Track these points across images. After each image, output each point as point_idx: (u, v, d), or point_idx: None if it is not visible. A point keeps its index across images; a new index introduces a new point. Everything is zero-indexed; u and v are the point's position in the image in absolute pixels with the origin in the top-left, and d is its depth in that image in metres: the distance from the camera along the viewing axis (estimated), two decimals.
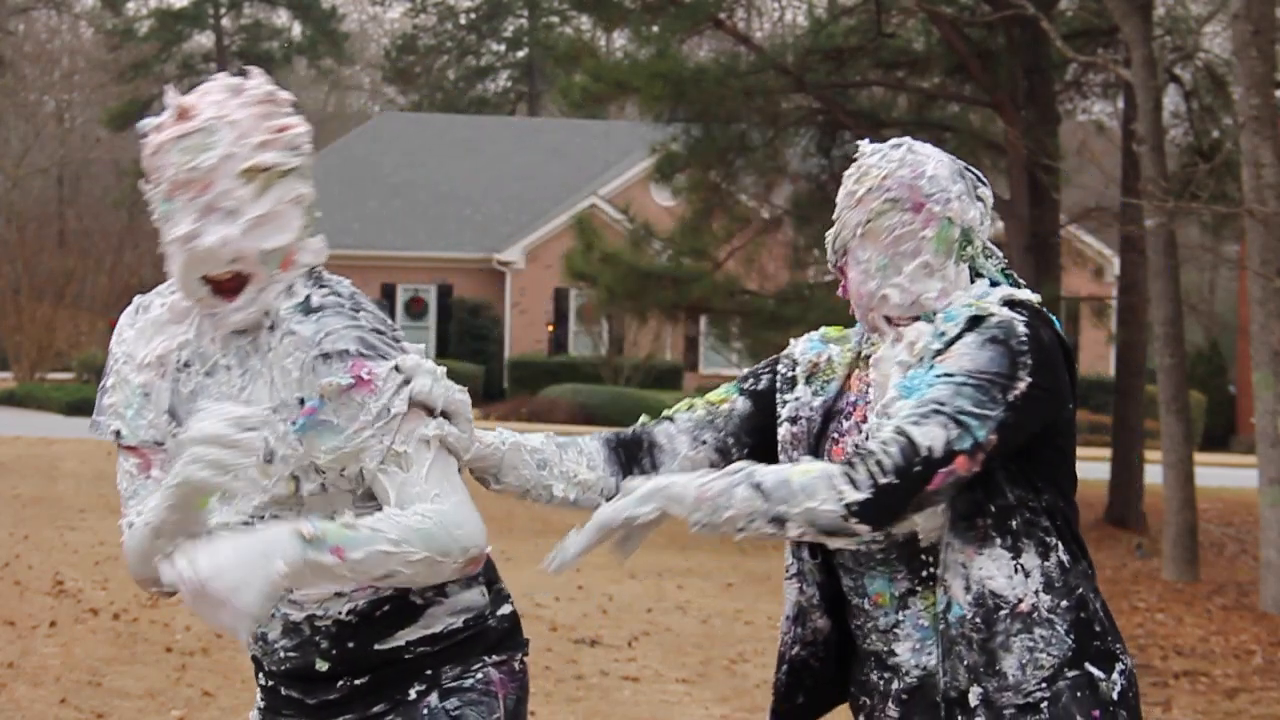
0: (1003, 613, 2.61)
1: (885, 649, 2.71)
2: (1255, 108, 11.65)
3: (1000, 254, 2.76)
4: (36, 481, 16.99)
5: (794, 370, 2.82)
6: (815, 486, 2.48)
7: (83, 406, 29.33)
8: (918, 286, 2.66)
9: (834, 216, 2.77)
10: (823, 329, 2.88)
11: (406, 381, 2.59)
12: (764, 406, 2.83)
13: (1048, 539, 2.63)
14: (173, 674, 7.97)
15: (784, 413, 2.79)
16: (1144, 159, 13.98)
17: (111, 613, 9.56)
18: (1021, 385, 2.53)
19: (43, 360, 35.15)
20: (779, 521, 2.49)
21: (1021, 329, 2.57)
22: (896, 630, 2.69)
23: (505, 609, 2.82)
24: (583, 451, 2.82)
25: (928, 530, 2.62)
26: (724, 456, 2.80)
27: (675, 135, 17.83)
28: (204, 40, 57.45)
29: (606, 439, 2.85)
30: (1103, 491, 19.19)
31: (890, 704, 2.72)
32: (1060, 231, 18.07)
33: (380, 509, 2.59)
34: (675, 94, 16.72)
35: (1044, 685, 2.63)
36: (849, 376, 2.76)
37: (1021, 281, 2.75)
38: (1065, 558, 2.65)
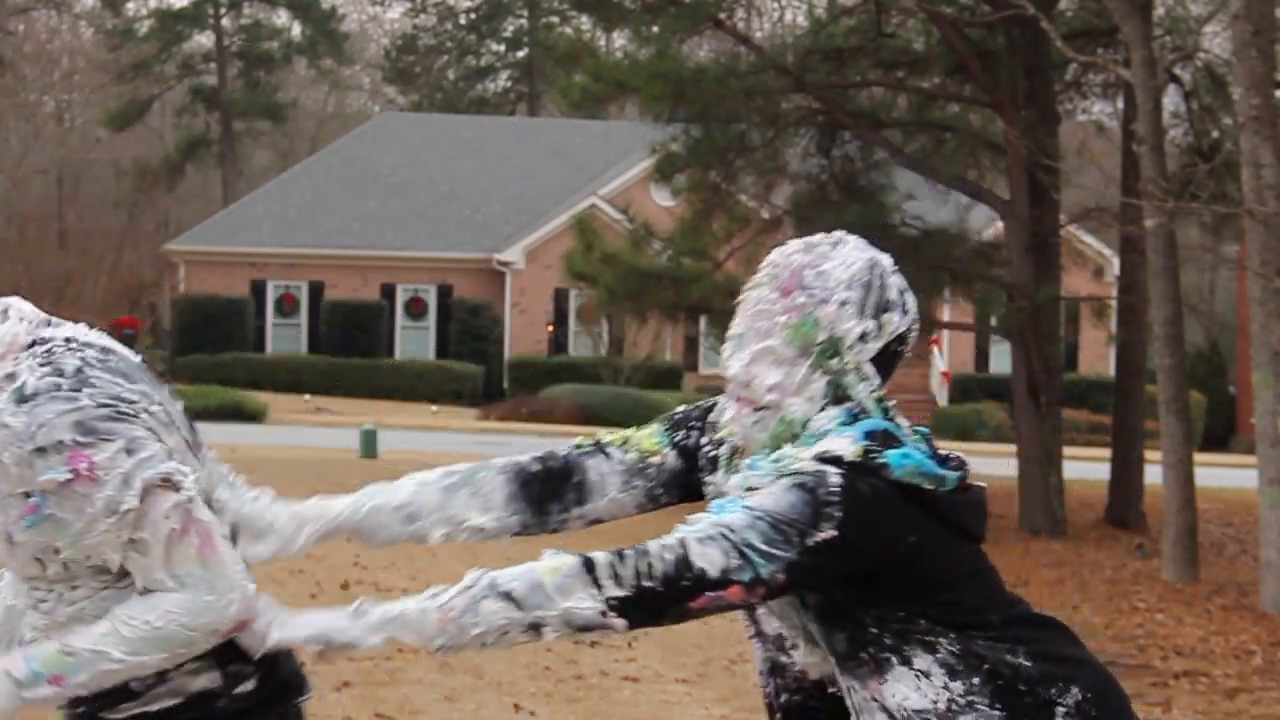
0: None
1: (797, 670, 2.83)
2: (1255, 108, 11.65)
3: (880, 383, 2.57)
4: None
5: (717, 449, 2.71)
6: (571, 585, 2.38)
7: None
8: (756, 368, 2.54)
9: None
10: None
11: (144, 460, 2.48)
12: (692, 464, 2.74)
13: (928, 637, 2.54)
14: None
15: (707, 492, 2.72)
16: (1144, 159, 13.98)
17: None
18: (823, 535, 2.43)
19: None
20: (535, 628, 2.40)
21: (834, 480, 2.44)
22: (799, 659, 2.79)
23: (246, 686, 2.63)
24: (478, 493, 2.69)
25: (819, 670, 2.68)
26: (653, 503, 2.75)
27: (675, 135, 17.83)
28: (204, 40, 57.45)
29: (519, 474, 2.71)
30: (1103, 491, 19.19)
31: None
32: (1060, 231, 18.06)
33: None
34: (675, 94, 16.72)
35: None
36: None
37: (897, 418, 2.57)
38: (955, 639, 2.54)
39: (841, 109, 17.43)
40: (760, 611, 2.75)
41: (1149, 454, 17.85)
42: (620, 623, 2.41)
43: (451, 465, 2.77)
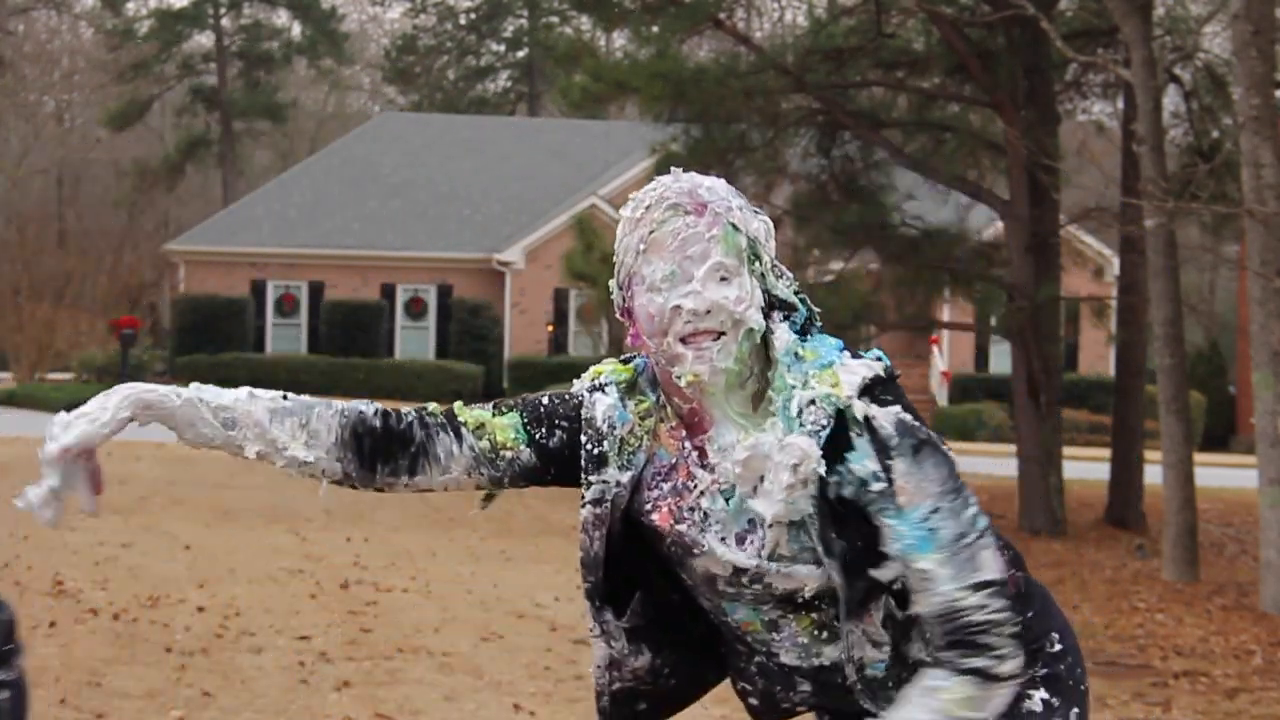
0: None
1: (766, 651, 2.64)
2: (1255, 108, 11.65)
3: (791, 275, 2.57)
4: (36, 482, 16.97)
5: (601, 445, 2.57)
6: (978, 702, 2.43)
7: None
8: (712, 291, 2.46)
9: (615, 259, 2.60)
10: (609, 371, 2.66)
11: None
12: (548, 464, 2.63)
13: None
14: (172, 674, 7.97)
15: (588, 494, 2.57)
16: (1144, 159, 13.98)
17: (111, 613, 9.56)
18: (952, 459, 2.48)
19: (42, 360, 35.15)
20: None
21: (909, 418, 2.45)
22: (773, 644, 2.61)
23: None
24: (307, 426, 2.64)
25: (812, 587, 2.53)
26: (496, 487, 2.66)
27: (675, 135, 17.83)
28: (204, 40, 57.46)
29: (356, 423, 2.63)
30: (1103, 491, 19.19)
31: (799, 679, 2.63)
32: (1060, 231, 18.06)
33: None
34: (675, 94, 16.72)
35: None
36: (655, 434, 2.59)
37: (815, 309, 2.57)
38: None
39: (841, 109, 17.43)
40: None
41: (1149, 454, 17.86)
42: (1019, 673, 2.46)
43: (294, 395, 2.71)
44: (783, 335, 2.53)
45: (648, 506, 2.58)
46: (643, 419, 2.58)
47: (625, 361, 2.68)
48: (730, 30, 17.90)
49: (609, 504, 2.57)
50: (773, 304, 2.54)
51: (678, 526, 2.55)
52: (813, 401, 2.47)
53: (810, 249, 19.03)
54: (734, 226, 2.50)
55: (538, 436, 2.62)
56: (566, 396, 2.66)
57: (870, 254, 18.88)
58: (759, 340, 2.51)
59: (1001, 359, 36.72)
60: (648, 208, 2.52)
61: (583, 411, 2.61)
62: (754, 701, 2.73)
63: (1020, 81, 17.15)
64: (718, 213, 2.49)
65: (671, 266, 2.48)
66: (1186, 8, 19.04)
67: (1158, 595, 12.77)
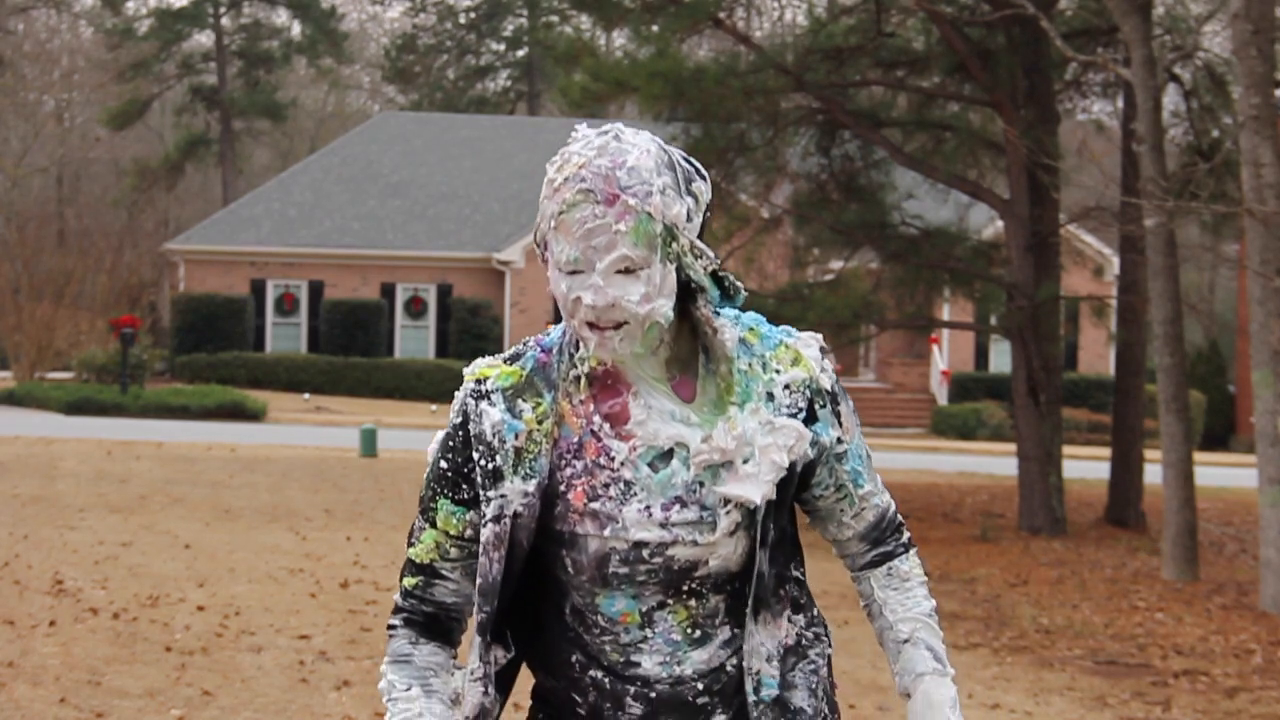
0: (790, 660, 2.61)
1: (622, 660, 2.54)
2: (1255, 107, 11.65)
3: (712, 255, 2.50)
4: (36, 481, 16.99)
5: (494, 459, 2.49)
6: (923, 601, 2.69)
7: (82, 406, 29.34)
8: (615, 289, 2.40)
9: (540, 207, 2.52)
10: (495, 376, 2.55)
11: None
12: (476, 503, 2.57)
13: (796, 559, 2.68)
14: (172, 673, 7.97)
15: (489, 511, 2.49)
16: (1144, 158, 13.99)
17: (111, 612, 9.57)
18: None
19: (42, 360, 35.14)
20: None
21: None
22: (641, 645, 2.54)
23: None
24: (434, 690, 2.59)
25: (715, 564, 2.50)
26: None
27: (675, 135, 17.82)
28: (204, 39, 57.45)
29: (425, 689, 2.57)
30: (1102, 491, 19.20)
31: (631, 702, 2.54)
32: (1060, 231, 18.06)
33: None
34: (675, 93, 16.72)
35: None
36: (555, 431, 2.51)
37: (738, 285, 2.55)
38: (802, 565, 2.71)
39: (841, 108, 17.43)
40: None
41: (1149, 453, 17.86)
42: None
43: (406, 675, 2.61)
44: (730, 334, 2.52)
45: (562, 487, 2.50)
46: (540, 422, 2.51)
47: (511, 360, 2.59)
48: (730, 29, 17.90)
49: (509, 520, 2.49)
50: (689, 282, 2.50)
51: (592, 505, 2.48)
52: (788, 386, 2.52)
53: (810, 248, 19.04)
54: (649, 215, 2.41)
55: (466, 497, 2.54)
56: (454, 428, 2.56)
57: (870, 253, 18.88)
58: (667, 322, 2.47)
59: (1001, 358, 36.72)
60: (565, 180, 2.43)
61: (470, 427, 2.53)
62: (582, 712, 2.59)
63: (1020, 81, 17.15)
64: (629, 205, 2.40)
65: (575, 253, 2.42)
66: (1186, 7, 19.04)
67: (1157, 595, 12.77)
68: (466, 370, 2.59)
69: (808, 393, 2.53)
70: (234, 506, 15.71)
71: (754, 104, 17.22)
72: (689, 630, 2.53)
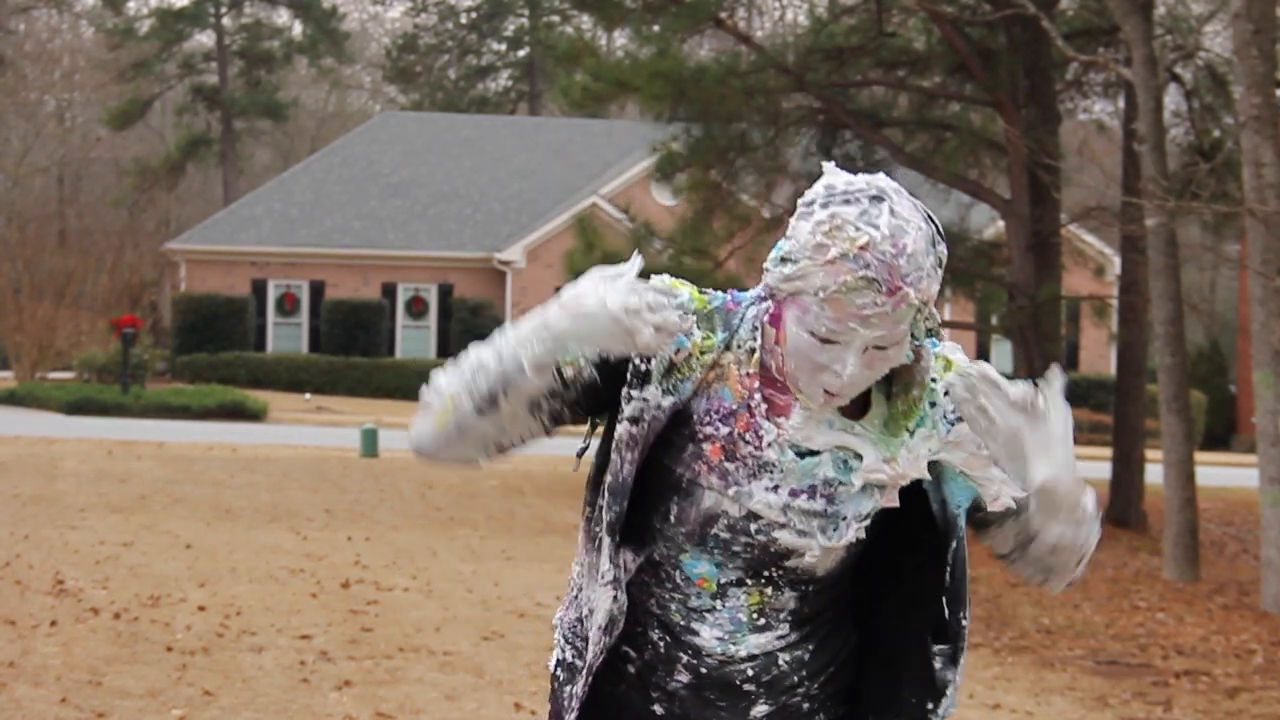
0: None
1: (683, 623, 2.55)
2: (1256, 107, 11.65)
3: (937, 315, 2.53)
4: (37, 481, 16.98)
5: (648, 364, 2.49)
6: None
7: (83, 406, 29.33)
8: (863, 374, 2.44)
9: (790, 250, 2.46)
10: (686, 295, 2.54)
11: None
12: (608, 381, 2.53)
13: None
14: (173, 673, 7.97)
15: (626, 409, 2.48)
16: (1145, 158, 13.98)
17: (112, 612, 9.56)
18: None
19: (43, 359, 35.14)
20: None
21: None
22: (707, 614, 2.54)
23: None
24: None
25: (809, 559, 2.53)
26: (556, 424, 2.57)
27: (676, 134, 17.83)
28: (204, 39, 57.46)
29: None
30: (1103, 490, 19.20)
31: (681, 670, 2.56)
32: (1061, 231, 18.06)
33: None
34: (676, 93, 16.72)
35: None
36: (711, 370, 2.52)
37: (944, 333, 2.60)
38: None
39: (842, 108, 17.43)
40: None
41: (1150, 453, 17.86)
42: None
43: None
44: (930, 363, 2.56)
45: (700, 436, 2.50)
46: (702, 353, 2.51)
47: (703, 291, 2.58)
48: (731, 29, 17.90)
49: (645, 424, 2.48)
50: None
51: (726, 464, 2.49)
52: (947, 391, 2.54)
53: None
54: (916, 304, 2.42)
55: (596, 360, 2.52)
56: None
57: None
58: None
59: (1003, 358, 36.69)
60: (842, 256, 2.38)
61: None
62: (631, 669, 2.60)
63: (1021, 80, 17.15)
64: (908, 297, 2.40)
65: (839, 329, 2.40)
66: (1187, 6, 19.05)
67: (1158, 595, 12.77)
68: (660, 277, 2.57)
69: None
70: (235, 506, 15.71)
71: (755, 104, 17.22)
72: (754, 615, 2.55)
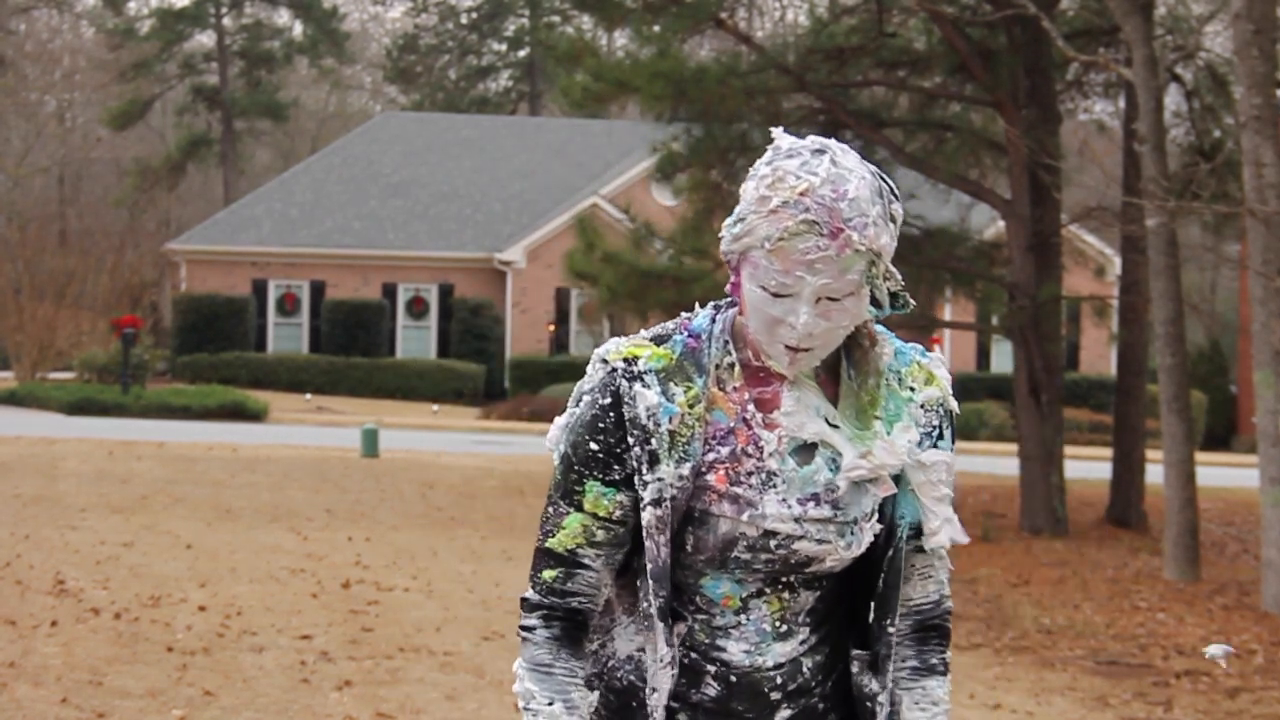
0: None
1: (709, 642, 2.54)
2: (1256, 107, 11.65)
3: (899, 276, 2.50)
4: (37, 481, 16.99)
5: (649, 444, 2.47)
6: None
7: (84, 406, 29.34)
8: (819, 322, 2.43)
9: (739, 212, 2.47)
10: (645, 357, 2.51)
11: None
12: (635, 493, 2.52)
13: None
14: (174, 673, 7.97)
15: (646, 495, 2.47)
16: (1145, 158, 13.98)
17: (113, 612, 9.57)
18: None
19: (44, 360, 35.15)
20: None
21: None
22: (732, 630, 2.55)
23: None
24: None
25: (830, 563, 2.53)
26: (622, 571, 2.57)
27: (676, 135, 17.83)
28: (205, 39, 57.48)
29: (568, 705, 2.53)
30: (1104, 491, 19.19)
31: (710, 682, 2.55)
32: (1061, 231, 18.06)
33: None
34: (676, 93, 16.72)
35: None
36: (706, 415, 2.50)
37: (911, 300, 2.54)
38: None
39: (843, 108, 17.43)
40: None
41: (1150, 453, 17.86)
42: None
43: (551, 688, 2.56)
44: (888, 350, 2.57)
45: (704, 469, 2.50)
46: (692, 406, 2.50)
47: (659, 342, 2.55)
48: (731, 30, 17.90)
49: (669, 503, 2.49)
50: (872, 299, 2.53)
51: (734, 489, 2.49)
52: (924, 405, 2.56)
53: None
54: (862, 249, 2.41)
55: (617, 477, 2.50)
56: (603, 409, 2.52)
57: None
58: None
59: (1003, 358, 36.72)
60: (784, 204, 2.41)
61: (624, 410, 2.50)
62: (672, 673, 2.58)
63: (1021, 81, 17.15)
64: (851, 240, 2.40)
65: (789, 280, 2.42)
66: (1188, 7, 19.05)
67: (1159, 595, 12.77)
68: (605, 349, 2.56)
69: (941, 411, 2.57)
70: (235, 506, 15.71)
71: (755, 104, 17.22)
72: (777, 623, 2.56)
